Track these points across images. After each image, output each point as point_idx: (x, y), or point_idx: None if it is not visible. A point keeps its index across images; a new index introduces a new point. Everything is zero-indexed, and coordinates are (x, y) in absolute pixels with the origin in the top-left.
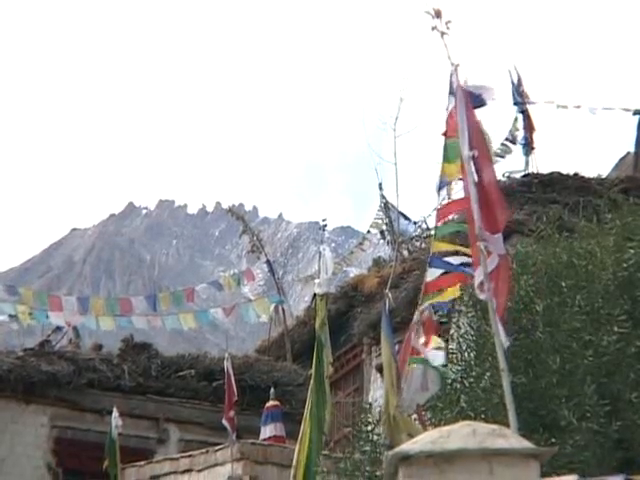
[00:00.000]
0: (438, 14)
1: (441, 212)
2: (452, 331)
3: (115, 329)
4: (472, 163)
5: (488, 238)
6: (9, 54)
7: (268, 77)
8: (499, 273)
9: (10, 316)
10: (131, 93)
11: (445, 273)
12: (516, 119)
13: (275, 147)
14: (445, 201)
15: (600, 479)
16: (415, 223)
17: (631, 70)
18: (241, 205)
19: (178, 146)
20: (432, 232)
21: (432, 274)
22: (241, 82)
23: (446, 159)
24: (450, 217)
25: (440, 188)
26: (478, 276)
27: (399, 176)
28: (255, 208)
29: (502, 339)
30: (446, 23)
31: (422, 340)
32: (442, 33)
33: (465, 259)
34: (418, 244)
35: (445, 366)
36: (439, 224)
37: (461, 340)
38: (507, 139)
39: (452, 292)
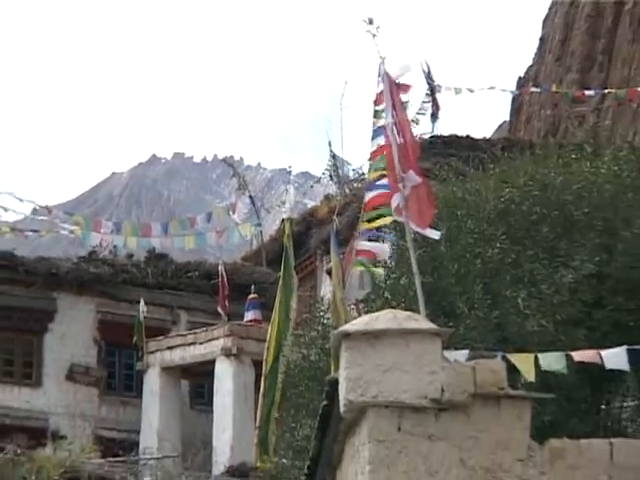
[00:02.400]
0: (371, 21)
1: (374, 153)
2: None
3: (137, 248)
4: (394, 125)
5: (405, 174)
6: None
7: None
8: (414, 198)
9: (70, 232)
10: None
11: (377, 196)
12: (426, 96)
13: (259, 108)
14: (376, 147)
15: (485, 352)
16: (354, 169)
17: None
18: (232, 156)
19: (188, 108)
20: (366, 176)
21: (368, 196)
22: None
23: (376, 116)
24: (379, 157)
25: (373, 138)
26: (395, 201)
27: (345, 136)
28: (241, 158)
29: (412, 252)
30: (376, 28)
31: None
32: (373, 35)
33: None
34: (356, 184)
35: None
36: (373, 162)
37: (387, 249)
38: (420, 111)
39: (383, 221)
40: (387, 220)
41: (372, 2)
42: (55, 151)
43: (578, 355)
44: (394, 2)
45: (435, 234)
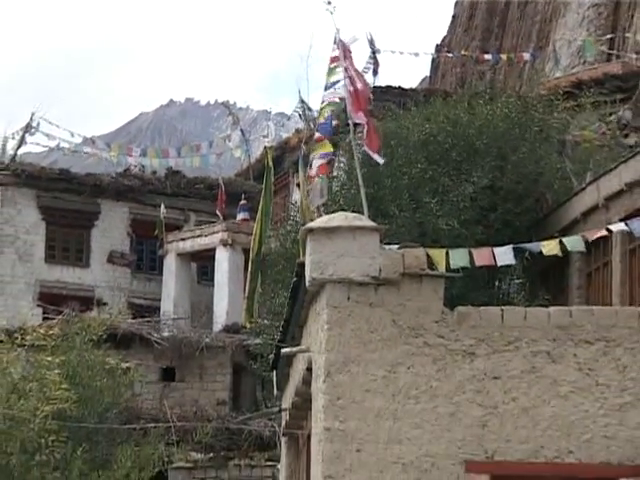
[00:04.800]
0: (329, 2)
1: (327, 98)
2: (335, 165)
3: (159, 167)
4: (348, 77)
5: (356, 115)
6: None
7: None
8: (366, 131)
9: (109, 155)
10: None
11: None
12: (369, 57)
13: (249, 62)
14: (331, 93)
15: (410, 244)
16: (317, 110)
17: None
18: (228, 100)
19: (196, 61)
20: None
21: (316, 135)
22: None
23: (330, 73)
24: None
25: (325, 89)
26: (351, 119)
27: (312, 85)
28: (235, 101)
29: (358, 170)
30: (333, 7)
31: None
32: (331, 12)
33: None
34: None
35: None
36: (325, 105)
37: (341, 169)
38: (364, 69)
39: (327, 148)
40: (329, 148)
41: None
42: (98, 94)
43: (477, 258)
44: None
45: (380, 159)
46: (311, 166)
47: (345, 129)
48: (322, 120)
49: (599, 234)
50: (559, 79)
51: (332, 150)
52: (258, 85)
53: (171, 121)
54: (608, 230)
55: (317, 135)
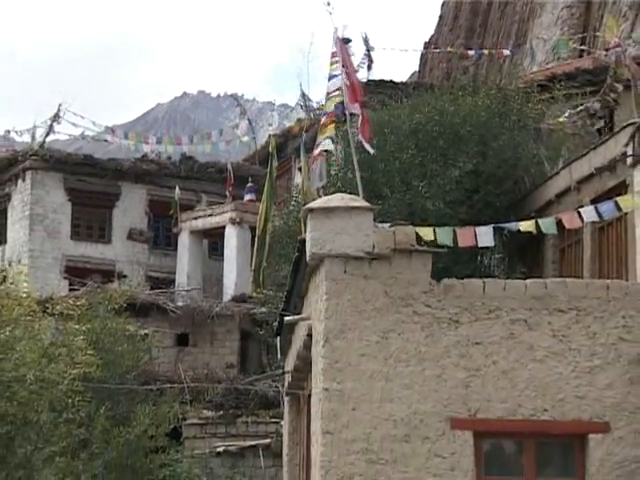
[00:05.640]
0: (328, 3)
1: (331, 88)
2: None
3: (173, 153)
4: (345, 72)
5: (352, 105)
6: None
7: None
8: (360, 121)
9: (128, 143)
10: None
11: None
12: (364, 55)
13: (255, 57)
14: (333, 84)
15: (400, 222)
16: (317, 102)
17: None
18: (236, 92)
19: (207, 56)
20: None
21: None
22: None
23: (331, 66)
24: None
25: (329, 80)
26: (348, 109)
27: (313, 77)
28: (242, 94)
29: (354, 156)
30: (332, 8)
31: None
32: (330, 12)
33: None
34: (317, 112)
35: (331, 166)
36: (330, 97)
37: (338, 154)
38: (359, 64)
39: (331, 130)
40: (332, 132)
41: None
42: (118, 87)
43: (460, 239)
44: None
45: (370, 149)
46: (317, 147)
47: (340, 118)
48: (332, 107)
49: (573, 225)
50: (535, 73)
51: (334, 133)
52: (264, 78)
53: (184, 111)
54: (580, 217)
55: (323, 120)
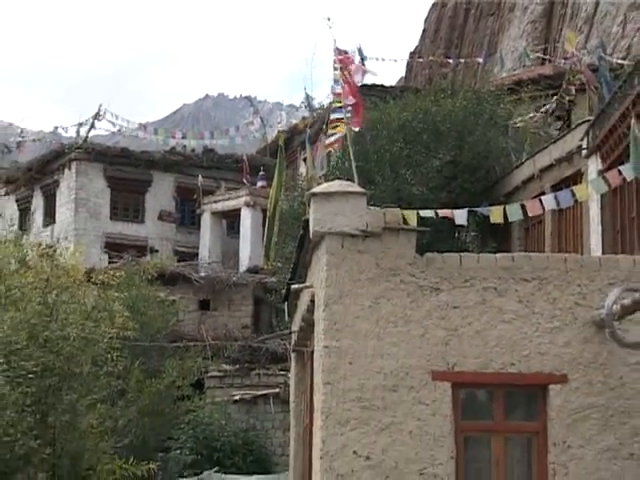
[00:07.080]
0: (329, 19)
1: (335, 93)
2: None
3: (197, 146)
4: (347, 77)
5: (348, 99)
6: None
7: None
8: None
9: (157, 138)
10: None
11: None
12: (360, 62)
13: (267, 62)
14: (337, 89)
15: (390, 204)
16: (318, 103)
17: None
18: (250, 94)
19: (225, 61)
20: (326, 105)
21: (332, 116)
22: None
23: (335, 72)
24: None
25: (335, 82)
26: (346, 113)
27: (316, 81)
28: (256, 96)
29: (350, 148)
30: (332, 23)
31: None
32: (329, 27)
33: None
34: (319, 111)
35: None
36: (334, 98)
37: (337, 148)
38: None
39: (341, 129)
40: (341, 129)
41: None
42: (149, 89)
43: (441, 212)
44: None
45: (355, 128)
46: (327, 138)
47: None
48: (338, 106)
49: (535, 212)
50: (504, 78)
51: (342, 131)
52: (275, 82)
53: (207, 111)
54: (541, 205)
55: (332, 117)
